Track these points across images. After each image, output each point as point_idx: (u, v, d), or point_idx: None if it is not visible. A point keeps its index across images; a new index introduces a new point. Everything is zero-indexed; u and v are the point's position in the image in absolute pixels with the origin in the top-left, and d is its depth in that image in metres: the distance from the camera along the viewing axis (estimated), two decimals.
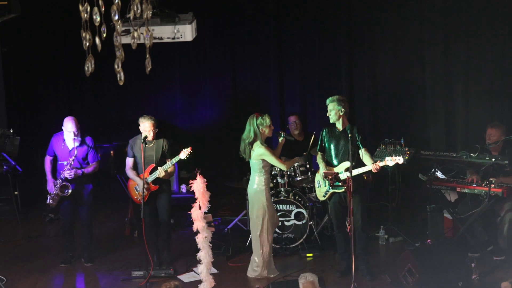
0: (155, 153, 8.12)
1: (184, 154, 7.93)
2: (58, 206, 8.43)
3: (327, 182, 7.83)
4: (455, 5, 9.82)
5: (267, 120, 7.79)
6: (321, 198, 8.08)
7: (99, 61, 4.67)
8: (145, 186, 8.03)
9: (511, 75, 9.63)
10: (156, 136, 8.12)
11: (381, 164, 7.50)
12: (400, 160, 7.46)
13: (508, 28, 9.55)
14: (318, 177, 8.01)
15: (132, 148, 8.17)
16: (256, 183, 7.88)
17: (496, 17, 9.59)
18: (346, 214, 7.83)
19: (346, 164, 7.66)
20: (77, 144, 8.24)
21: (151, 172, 8.10)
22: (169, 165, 8.04)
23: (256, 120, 7.79)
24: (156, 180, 8.12)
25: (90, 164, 8.38)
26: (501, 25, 9.57)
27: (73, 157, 8.21)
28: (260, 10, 10.77)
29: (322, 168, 7.88)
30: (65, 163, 8.25)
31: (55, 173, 8.38)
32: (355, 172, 7.50)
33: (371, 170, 7.54)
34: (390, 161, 7.47)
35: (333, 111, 7.74)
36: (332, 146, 7.83)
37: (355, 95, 10.58)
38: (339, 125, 7.80)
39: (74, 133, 8.19)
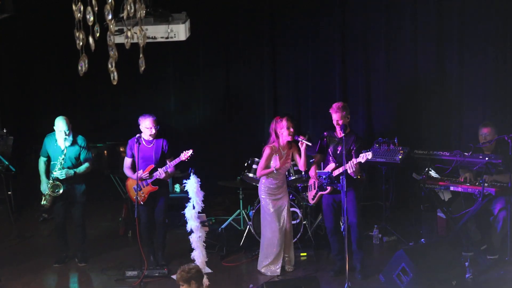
0: (155, 153, 8.10)
1: (184, 156, 7.89)
2: (51, 206, 8.41)
3: (316, 184, 7.85)
4: (448, 6, 9.83)
5: (283, 123, 7.80)
6: (311, 201, 8.11)
7: (93, 60, 4.67)
8: (144, 181, 8.01)
9: (504, 76, 9.66)
10: (156, 136, 8.09)
11: (355, 161, 7.51)
12: (369, 155, 7.44)
13: (501, 29, 9.57)
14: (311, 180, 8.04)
15: (131, 149, 8.12)
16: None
17: (489, 17, 9.61)
18: (340, 215, 7.83)
19: (332, 165, 7.69)
20: (68, 143, 8.19)
21: (151, 173, 8.08)
22: (169, 167, 8.01)
23: (276, 124, 7.84)
24: (155, 181, 8.09)
25: (82, 163, 8.35)
26: (494, 26, 9.59)
27: (63, 157, 8.17)
28: (255, 10, 10.76)
29: (311, 170, 7.90)
30: (56, 162, 8.23)
31: (49, 174, 8.34)
32: (336, 173, 7.55)
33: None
34: (360, 158, 7.46)
35: (341, 120, 7.68)
36: (330, 152, 7.84)
37: (348, 95, 10.57)
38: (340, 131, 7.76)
39: (65, 133, 8.13)
